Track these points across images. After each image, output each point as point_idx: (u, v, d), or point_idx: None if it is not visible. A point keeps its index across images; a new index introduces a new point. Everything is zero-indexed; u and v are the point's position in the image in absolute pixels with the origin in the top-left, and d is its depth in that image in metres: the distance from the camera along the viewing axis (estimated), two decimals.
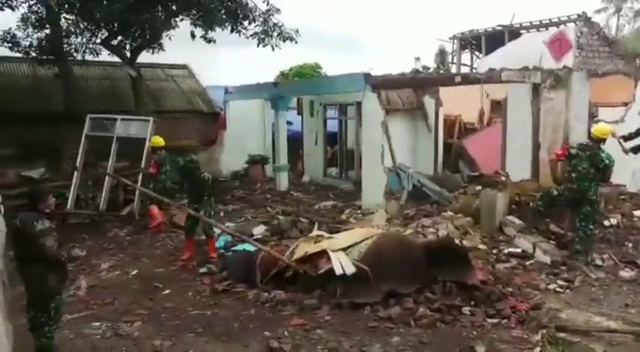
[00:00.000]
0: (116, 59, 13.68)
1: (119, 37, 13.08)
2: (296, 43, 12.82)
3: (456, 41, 19.55)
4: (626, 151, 8.81)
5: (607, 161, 7.11)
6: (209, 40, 13.19)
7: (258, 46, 12.78)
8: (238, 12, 12.49)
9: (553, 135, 9.75)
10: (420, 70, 23.49)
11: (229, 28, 12.72)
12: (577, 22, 14.53)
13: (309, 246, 6.61)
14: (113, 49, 13.17)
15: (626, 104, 11.58)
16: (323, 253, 6.35)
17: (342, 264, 6.03)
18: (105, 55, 13.47)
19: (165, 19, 12.67)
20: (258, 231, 8.97)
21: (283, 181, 13.61)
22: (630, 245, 7.82)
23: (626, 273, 6.85)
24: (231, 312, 5.91)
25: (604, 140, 7.27)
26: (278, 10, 12.63)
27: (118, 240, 9.37)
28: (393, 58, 55.69)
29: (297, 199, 12.46)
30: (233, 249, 7.92)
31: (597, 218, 7.73)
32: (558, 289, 6.46)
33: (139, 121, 11.57)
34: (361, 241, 6.49)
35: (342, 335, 5.24)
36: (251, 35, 12.80)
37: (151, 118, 11.49)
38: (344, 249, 6.35)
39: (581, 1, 49.29)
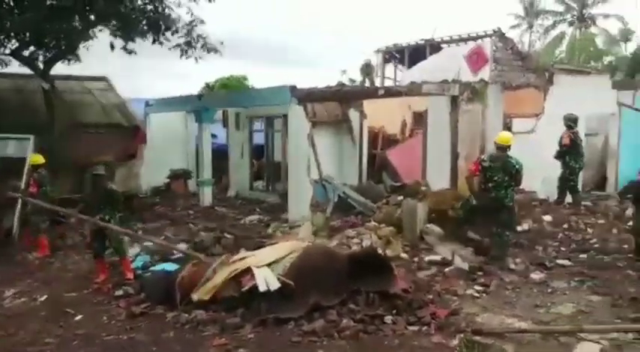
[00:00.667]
0: (28, 70, 12.95)
1: (31, 48, 12.39)
2: (221, 54, 12.70)
3: (380, 54, 20.05)
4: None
5: (517, 166, 7.60)
6: (129, 51, 12.76)
7: (181, 57, 12.56)
8: (160, 23, 12.18)
9: (471, 146, 10.19)
10: (347, 82, 23.88)
11: (151, 39, 12.38)
12: (493, 37, 15.31)
13: (234, 265, 6.48)
14: (24, 60, 12.44)
15: (536, 115, 12.29)
16: (247, 270, 6.25)
17: (267, 280, 5.95)
18: (15, 66, 12.75)
19: (83, 29, 12.13)
20: (180, 249, 8.70)
21: (207, 196, 13.32)
22: (540, 248, 8.29)
23: (536, 275, 7.23)
24: (149, 336, 5.65)
25: (509, 147, 7.70)
26: (202, 22, 12.46)
27: (27, 264, 8.77)
28: (320, 70, 56.48)
29: (221, 214, 12.22)
30: (152, 269, 7.62)
31: (512, 224, 8.14)
32: (475, 294, 6.69)
33: (16, 140, 11.03)
34: (286, 255, 6.44)
35: None
36: (174, 46, 12.53)
37: (31, 136, 10.96)
38: (268, 265, 6.27)
39: (497, 18, 52.30)
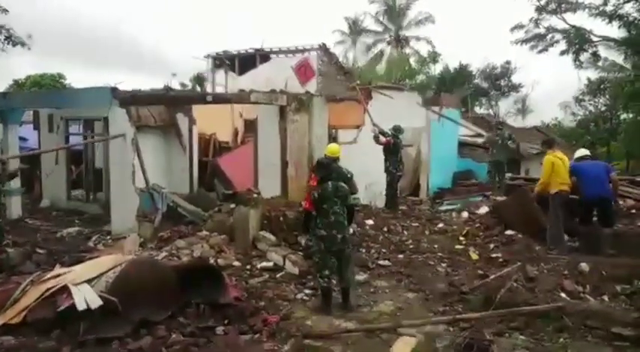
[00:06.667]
0: None
1: None
2: (29, 48, 11.40)
3: (210, 60, 19.84)
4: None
5: (349, 174, 8.25)
6: None
7: None
8: None
9: (299, 154, 10.57)
10: (178, 87, 23.20)
11: None
12: (318, 51, 16.13)
13: (48, 283, 5.83)
14: None
15: (358, 127, 13.21)
16: (63, 288, 5.67)
17: (86, 298, 5.46)
18: None
19: None
20: None
21: (15, 207, 11.82)
22: (364, 250, 8.86)
23: (361, 276, 7.68)
24: None
25: (338, 157, 8.18)
26: (5, 11, 11.06)
27: None
28: (151, 74, 54.13)
29: (33, 227, 10.90)
30: None
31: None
32: (305, 298, 6.91)
33: None
34: (108, 270, 6.02)
35: None
36: None
37: None
38: (88, 281, 5.79)
39: (324, 33, 55.24)
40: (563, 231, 8.66)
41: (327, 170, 6.79)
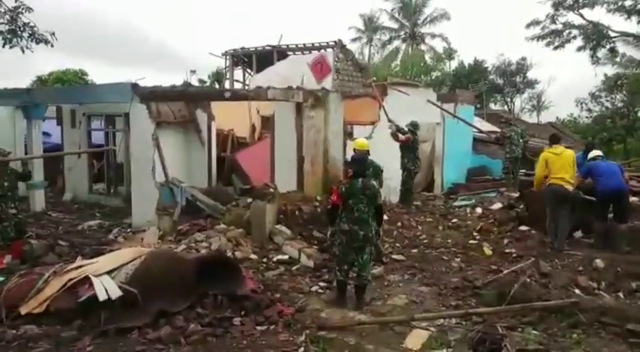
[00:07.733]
0: None
1: None
2: (52, 46, 11.57)
3: (228, 57, 20.04)
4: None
5: (381, 168, 8.55)
6: None
7: (3, 46, 11.22)
8: None
9: (315, 150, 10.65)
10: (196, 83, 23.41)
11: None
12: (334, 48, 16.19)
13: (70, 274, 6.01)
14: None
15: (373, 123, 13.27)
16: (85, 279, 5.85)
17: (107, 289, 5.63)
18: None
19: None
20: (4, 259, 7.81)
21: (39, 200, 12.13)
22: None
23: (375, 270, 7.72)
24: None
25: (368, 151, 8.26)
26: (29, 9, 11.25)
27: None
28: (172, 70, 54.66)
29: (56, 220, 11.18)
30: None
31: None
32: (320, 290, 7.00)
33: None
34: (128, 262, 6.15)
35: None
36: None
37: None
38: (109, 272, 5.95)
39: (339, 30, 55.05)
40: (570, 224, 8.62)
41: (362, 165, 6.68)
